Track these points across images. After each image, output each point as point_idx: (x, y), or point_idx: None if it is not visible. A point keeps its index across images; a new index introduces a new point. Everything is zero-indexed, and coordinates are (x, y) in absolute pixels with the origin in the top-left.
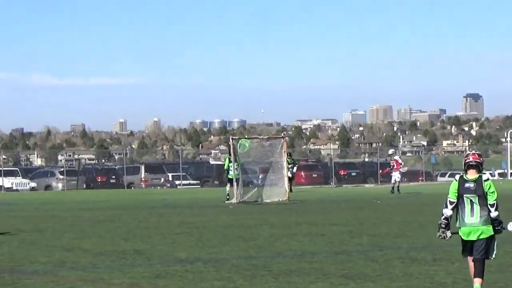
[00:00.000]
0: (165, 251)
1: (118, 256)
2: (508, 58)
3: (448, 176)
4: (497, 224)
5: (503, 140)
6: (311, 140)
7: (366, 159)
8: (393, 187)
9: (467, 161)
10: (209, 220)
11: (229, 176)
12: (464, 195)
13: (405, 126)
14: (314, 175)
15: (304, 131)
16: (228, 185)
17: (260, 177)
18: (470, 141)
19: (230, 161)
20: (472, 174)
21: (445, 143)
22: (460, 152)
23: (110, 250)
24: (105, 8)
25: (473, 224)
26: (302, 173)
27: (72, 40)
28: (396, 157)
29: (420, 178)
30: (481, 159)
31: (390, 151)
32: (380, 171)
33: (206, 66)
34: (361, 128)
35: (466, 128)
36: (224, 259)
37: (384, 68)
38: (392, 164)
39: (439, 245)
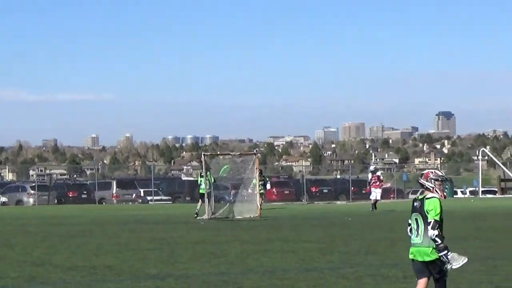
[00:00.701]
0: (136, 267)
1: (88, 271)
2: (480, 77)
3: (419, 194)
4: (437, 246)
5: (475, 158)
6: (283, 156)
7: (338, 176)
8: (373, 204)
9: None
10: (180, 236)
11: (200, 191)
12: (412, 214)
13: (377, 143)
14: (285, 192)
15: (276, 147)
16: (200, 200)
17: (231, 193)
18: (442, 159)
19: (201, 176)
20: (423, 194)
21: (417, 160)
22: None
23: (81, 266)
24: (77, 23)
25: (416, 244)
26: (274, 189)
27: (46, 55)
28: (378, 173)
29: (392, 195)
30: (422, 180)
31: (372, 167)
32: (352, 188)
33: (178, 82)
34: (333, 145)
35: (438, 146)
36: (195, 275)
37: (356, 85)
38: (373, 180)
39: (409, 262)
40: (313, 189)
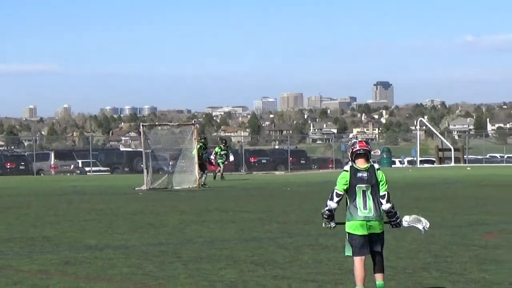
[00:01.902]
0: (74, 237)
1: (26, 242)
2: (418, 47)
3: None
4: (392, 216)
5: (413, 128)
6: (222, 127)
7: (277, 147)
8: None
9: (354, 149)
10: (118, 207)
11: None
12: (357, 186)
13: (315, 113)
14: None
15: (214, 118)
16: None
17: (170, 164)
18: (380, 128)
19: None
20: (362, 163)
21: (355, 130)
22: (370, 140)
23: (19, 237)
24: None
25: (367, 217)
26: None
27: None
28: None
29: (330, 166)
30: (369, 146)
31: (351, 135)
32: (291, 158)
33: (116, 54)
34: (271, 116)
35: (376, 116)
36: (134, 246)
37: (295, 56)
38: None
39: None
40: (252, 160)
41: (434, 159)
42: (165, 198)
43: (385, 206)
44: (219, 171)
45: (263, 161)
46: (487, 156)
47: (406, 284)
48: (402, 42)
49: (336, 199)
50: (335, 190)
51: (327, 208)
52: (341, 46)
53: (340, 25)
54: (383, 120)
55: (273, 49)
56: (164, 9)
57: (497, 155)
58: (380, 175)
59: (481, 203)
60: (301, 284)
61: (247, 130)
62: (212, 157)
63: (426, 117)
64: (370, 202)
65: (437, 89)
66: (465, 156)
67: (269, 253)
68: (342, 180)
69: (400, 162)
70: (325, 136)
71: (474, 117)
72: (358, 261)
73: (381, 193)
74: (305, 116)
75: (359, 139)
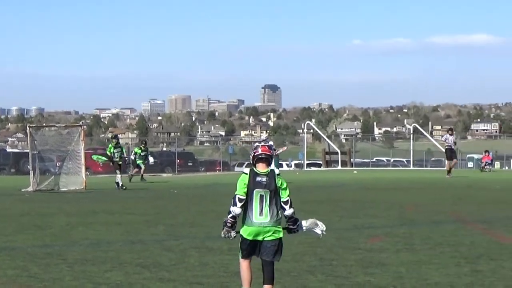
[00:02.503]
0: None
1: None
2: (306, 50)
3: (245, 166)
4: (292, 222)
5: (300, 131)
6: (110, 128)
7: (164, 149)
8: None
9: (256, 153)
10: (4, 208)
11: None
12: (255, 190)
13: (203, 116)
14: (111, 164)
15: (102, 119)
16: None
17: (57, 165)
18: (268, 131)
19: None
20: (262, 168)
21: (243, 133)
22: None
23: None
24: None
25: (262, 223)
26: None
27: None
28: (271, 143)
29: (218, 168)
30: (271, 151)
31: (263, 137)
32: (178, 160)
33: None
34: (159, 118)
35: (264, 119)
36: (19, 247)
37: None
38: None
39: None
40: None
41: (321, 162)
42: (52, 200)
43: (288, 211)
44: (137, 172)
45: (151, 163)
46: (374, 159)
47: (291, 287)
48: (290, 45)
49: (239, 204)
50: (237, 195)
51: (230, 215)
52: (229, 48)
53: (228, 27)
54: (271, 123)
55: (161, 51)
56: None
57: (384, 158)
58: (279, 181)
59: (367, 206)
60: (187, 287)
61: (135, 132)
62: (132, 157)
63: (313, 120)
64: (266, 208)
65: (325, 93)
66: (351, 160)
67: (155, 256)
68: (241, 183)
69: (287, 165)
70: (213, 139)
71: (361, 120)
72: (245, 263)
73: (284, 199)
74: (193, 119)
75: (262, 143)
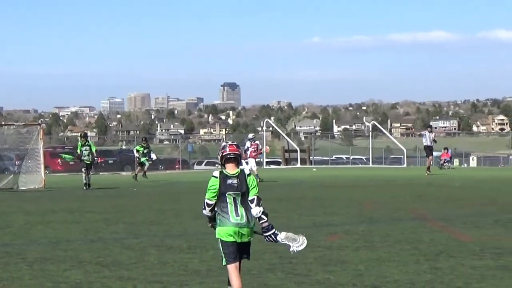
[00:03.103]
0: None
1: None
2: (265, 48)
3: (205, 165)
4: (265, 229)
5: (259, 129)
6: (69, 127)
7: (124, 147)
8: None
9: (224, 153)
10: None
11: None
12: (227, 194)
13: (162, 114)
14: (71, 163)
15: (61, 118)
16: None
17: (16, 164)
18: (227, 129)
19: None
20: (232, 169)
21: (202, 131)
22: (217, 141)
23: None
24: None
25: (239, 224)
26: (59, 160)
27: None
28: (258, 142)
29: (177, 166)
30: (239, 150)
31: (250, 135)
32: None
33: None
34: (118, 116)
35: (223, 117)
36: None
37: (142, 56)
38: (252, 148)
39: (194, 233)
40: (99, 160)
41: (281, 160)
42: (11, 199)
43: (254, 210)
44: (140, 170)
45: (110, 161)
46: (333, 157)
47: (251, 285)
48: (249, 43)
49: (208, 208)
50: (206, 200)
51: (205, 215)
52: (189, 46)
53: (187, 25)
54: (230, 121)
55: (120, 49)
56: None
57: (343, 156)
58: (250, 181)
59: (326, 204)
60: (146, 285)
61: (94, 130)
62: (136, 155)
63: (272, 118)
64: (242, 210)
65: (284, 91)
66: (311, 157)
67: (114, 254)
68: (211, 188)
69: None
70: (172, 137)
71: (320, 118)
72: (233, 269)
73: (250, 198)
74: (152, 117)
75: (230, 143)
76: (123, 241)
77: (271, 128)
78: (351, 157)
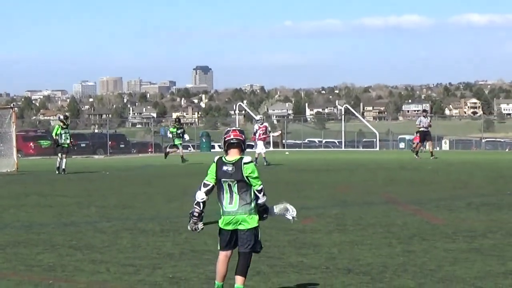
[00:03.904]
0: None
1: None
2: (236, 31)
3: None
4: (263, 211)
5: (232, 112)
6: (41, 111)
7: (96, 130)
8: (256, 159)
9: (227, 138)
10: None
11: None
12: (222, 180)
13: (135, 98)
14: (43, 146)
15: (34, 101)
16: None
17: None
18: (200, 113)
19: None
20: (233, 155)
21: (174, 115)
22: (189, 124)
23: None
24: None
25: (231, 212)
26: (31, 143)
27: None
28: (266, 124)
29: (150, 150)
30: (243, 136)
31: (258, 117)
32: (110, 142)
33: None
34: (91, 100)
35: (196, 101)
36: None
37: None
38: (261, 130)
39: (167, 216)
40: (71, 144)
41: (253, 144)
42: None
43: (262, 200)
44: (174, 151)
45: (82, 145)
46: (306, 140)
47: None
48: (221, 27)
49: (203, 189)
50: (204, 180)
51: (195, 202)
52: (161, 29)
53: (159, 8)
54: (203, 105)
55: (92, 32)
56: None
57: (316, 139)
58: (247, 169)
59: (299, 188)
60: (119, 268)
61: (67, 114)
62: (170, 136)
63: (245, 101)
64: (236, 197)
65: (257, 74)
66: (283, 141)
67: (87, 238)
68: (210, 171)
69: (219, 146)
70: (145, 120)
71: (293, 102)
72: (222, 256)
73: (257, 188)
74: (125, 100)
75: (233, 128)
76: (95, 225)
77: (243, 112)
78: (324, 141)
